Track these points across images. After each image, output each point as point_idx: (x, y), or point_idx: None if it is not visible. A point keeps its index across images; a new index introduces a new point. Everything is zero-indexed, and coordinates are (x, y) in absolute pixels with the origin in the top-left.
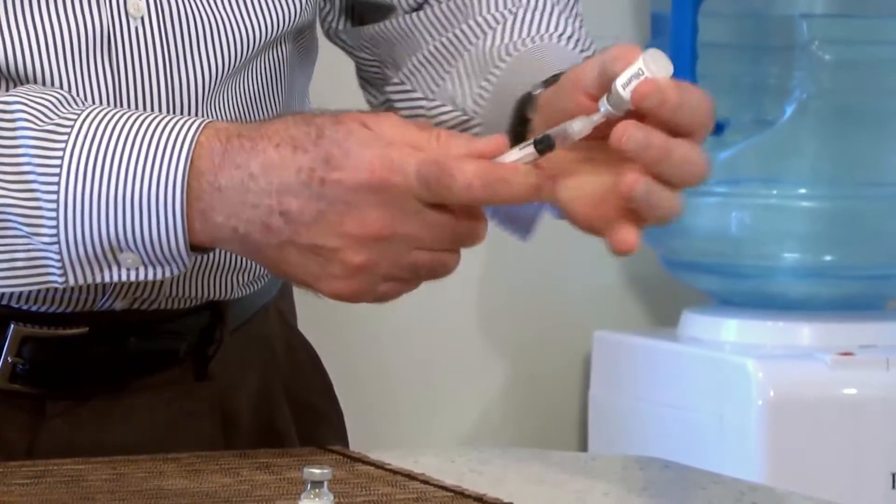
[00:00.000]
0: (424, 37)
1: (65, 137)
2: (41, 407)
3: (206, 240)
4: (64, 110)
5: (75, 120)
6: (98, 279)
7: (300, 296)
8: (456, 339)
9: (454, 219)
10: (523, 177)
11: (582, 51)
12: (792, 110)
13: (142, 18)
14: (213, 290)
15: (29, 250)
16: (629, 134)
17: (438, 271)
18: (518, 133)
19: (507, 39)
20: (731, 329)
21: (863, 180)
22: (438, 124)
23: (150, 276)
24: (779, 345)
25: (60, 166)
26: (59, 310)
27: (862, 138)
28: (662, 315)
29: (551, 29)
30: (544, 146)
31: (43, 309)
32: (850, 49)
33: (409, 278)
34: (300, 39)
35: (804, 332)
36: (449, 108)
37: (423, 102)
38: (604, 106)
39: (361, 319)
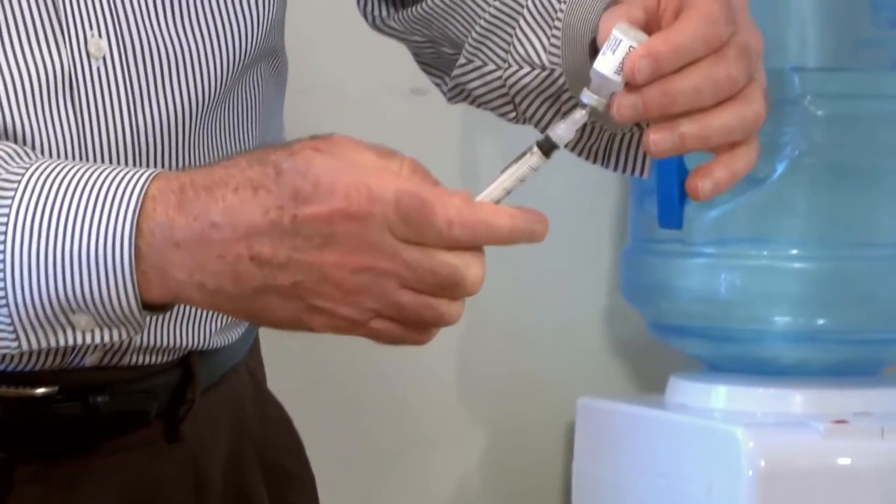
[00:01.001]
0: (478, 3)
1: (11, 194)
2: (10, 471)
3: (168, 298)
4: (12, 165)
5: (22, 175)
6: (52, 343)
7: (270, 356)
8: (433, 404)
9: (437, 259)
10: (508, 219)
11: None
12: (783, 167)
13: (104, 58)
14: (184, 338)
15: None
16: (654, 141)
17: (427, 316)
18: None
19: None
20: (721, 395)
21: (857, 241)
22: (521, 89)
23: (107, 339)
24: (770, 412)
25: (6, 224)
26: (28, 368)
27: (856, 197)
28: (649, 381)
29: None
30: (549, 146)
31: (11, 368)
32: (843, 104)
33: (399, 320)
34: (273, 63)
35: (796, 399)
36: (527, 69)
37: (498, 73)
38: (587, 97)
39: (334, 382)
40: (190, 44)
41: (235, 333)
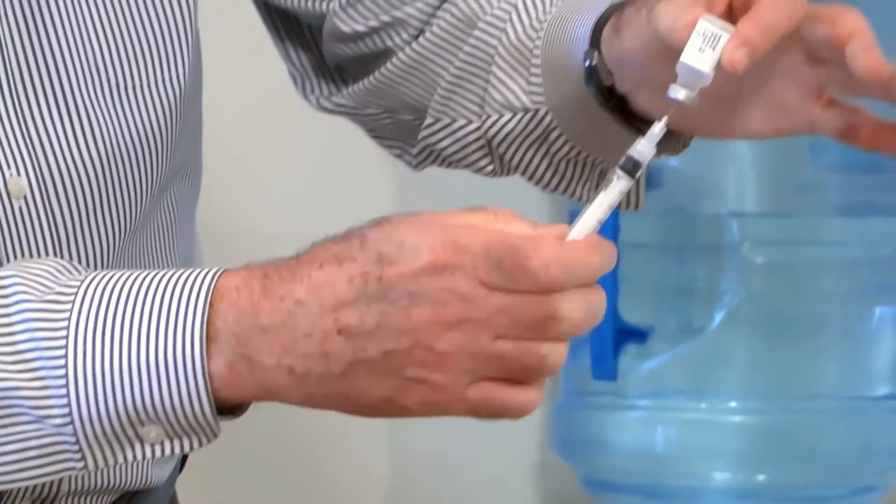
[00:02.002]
0: (437, 62)
1: (68, 307)
2: None
3: (258, 391)
4: (64, 278)
5: (78, 287)
6: (121, 459)
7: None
8: None
9: (531, 297)
10: (596, 254)
11: None
12: (721, 316)
13: (24, 198)
14: (118, 476)
15: (41, 436)
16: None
17: (529, 362)
18: (612, 105)
19: (527, 21)
20: None
21: (799, 393)
22: (505, 138)
23: (178, 450)
24: None
25: (66, 338)
26: None
27: (797, 347)
28: None
29: None
30: (633, 166)
31: None
32: (783, 250)
33: (501, 376)
34: (187, 176)
35: None
36: (508, 115)
37: (472, 126)
38: (678, 93)
39: None
40: (110, 173)
41: (166, 470)
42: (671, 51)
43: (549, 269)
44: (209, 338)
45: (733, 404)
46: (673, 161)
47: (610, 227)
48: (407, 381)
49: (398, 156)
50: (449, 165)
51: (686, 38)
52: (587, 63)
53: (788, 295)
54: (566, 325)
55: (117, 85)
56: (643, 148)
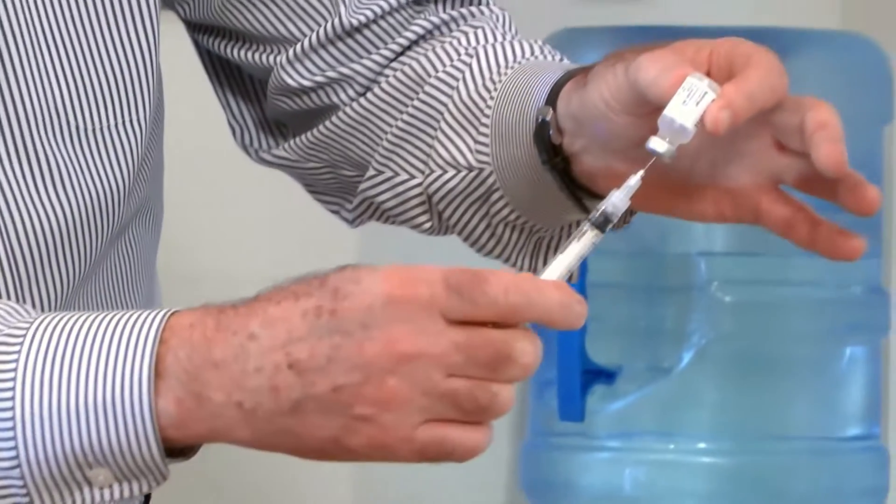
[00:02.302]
0: (383, 118)
1: (16, 349)
2: None
3: (207, 429)
4: (13, 320)
5: (27, 328)
6: (69, 503)
7: None
8: None
9: (488, 334)
10: (556, 290)
11: (561, 60)
12: (690, 357)
13: None
14: None
15: None
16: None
17: (481, 397)
18: (556, 165)
19: (480, 81)
20: None
21: (768, 434)
22: (446, 195)
23: (126, 493)
24: None
25: (14, 380)
26: None
27: (766, 388)
28: None
29: (517, 55)
30: (604, 220)
31: None
32: (752, 290)
33: (452, 416)
34: (148, 216)
35: None
36: (452, 172)
37: (414, 182)
38: (659, 146)
39: None
40: (72, 215)
41: None
42: (642, 105)
43: (508, 294)
44: (158, 375)
45: (702, 445)
46: None
47: (578, 267)
48: (354, 421)
49: (335, 212)
50: (386, 220)
51: (671, 93)
52: (538, 119)
53: (758, 335)
54: (518, 368)
55: (77, 128)
56: (616, 200)
